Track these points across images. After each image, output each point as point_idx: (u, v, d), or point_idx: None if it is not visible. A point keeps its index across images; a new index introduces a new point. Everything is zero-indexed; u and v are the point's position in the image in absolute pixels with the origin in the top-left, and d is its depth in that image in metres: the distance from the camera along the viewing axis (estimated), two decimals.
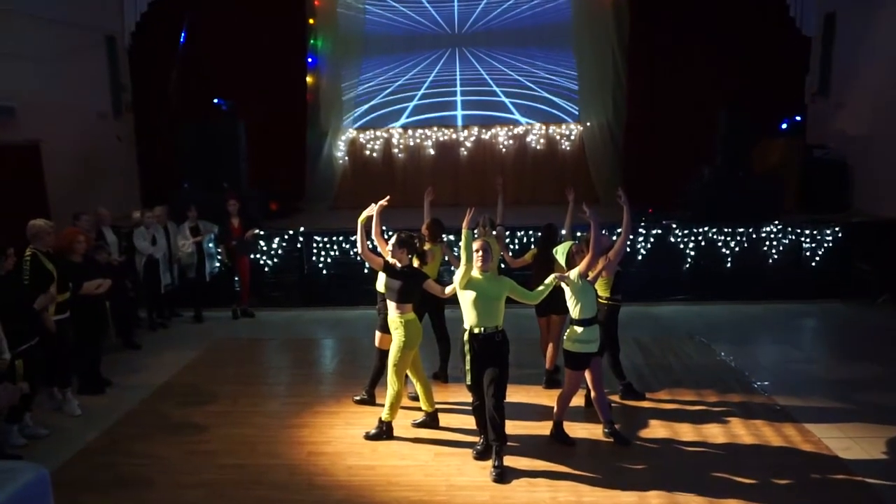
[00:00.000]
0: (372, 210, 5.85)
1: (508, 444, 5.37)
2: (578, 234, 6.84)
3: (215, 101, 11.40)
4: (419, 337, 5.80)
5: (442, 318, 6.99)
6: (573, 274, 5.46)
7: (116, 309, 8.05)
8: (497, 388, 5.20)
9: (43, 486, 3.64)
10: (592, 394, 5.84)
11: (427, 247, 6.45)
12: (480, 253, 5.22)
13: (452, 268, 7.16)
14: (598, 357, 5.75)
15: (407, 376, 5.97)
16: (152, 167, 12.83)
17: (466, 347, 5.29)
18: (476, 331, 5.24)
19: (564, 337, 5.62)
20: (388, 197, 5.99)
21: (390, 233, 6.01)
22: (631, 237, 9.39)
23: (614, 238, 7.22)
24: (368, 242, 5.92)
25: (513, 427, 5.68)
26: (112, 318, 8.05)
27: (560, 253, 6.10)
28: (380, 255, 5.99)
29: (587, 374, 5.69)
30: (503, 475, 5.15)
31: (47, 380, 6.46)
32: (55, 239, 6.48)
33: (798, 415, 6.18)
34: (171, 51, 12.44)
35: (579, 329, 5.48)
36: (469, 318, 5.27)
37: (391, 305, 5.72)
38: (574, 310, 5.50)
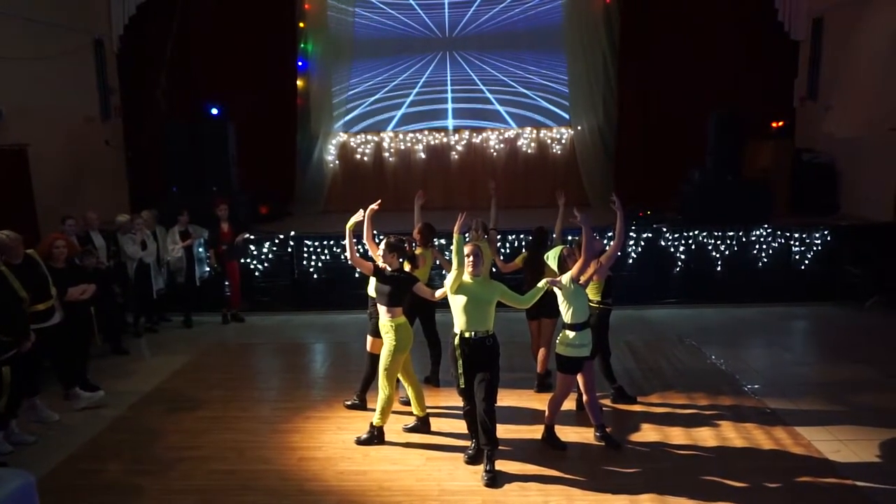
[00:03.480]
0: (360, 216, 5.83)
1: (500, 448, 5.36)
2: (569, 237, 6.85)
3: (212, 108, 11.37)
4: (410, 341, 5.78)
5: (433, 322, 6.97)
6: (565, 278, 5.45)
7: (104, 314, 7.97)
8: (488, 393, 5.19)
9: (29, 492, 3.61)
10: (584, 398, 5.84)
11: (418, 251, 6.44)
12: (471, 258, 5.21)
13: (444, 272, 7.14)
14: (590, 361, 5.75)
15: (398, 381, 5.95)
16: (141, 171, 12.80)
17: (458, 352, 5.27)
18: (467, 335, 5.22)
19: (557, 341, 5.61)
20: (379, 201, 5.98)
21: (381, 237, 5.99)
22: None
23: (606, 242, 7.22)
24: (359, 247, 5.89)
25: (504, 431, 5.67)
26: (99, 323, 7.97)
27: (552, 257, 6.10)
28: (370, 259, 5.97)
29: (579, 378, 5.69)
30: (495, 480, 5.14)
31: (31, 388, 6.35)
32: (41, 246, 6.43)
33: (788, 418, 6.20)
34: (159, 54, 12.38)
35: (571, 333, 5.47)
36: (460, 322, 5.26)
37: (382, 309, 5.69)
38: (566, 314, 5.50)
